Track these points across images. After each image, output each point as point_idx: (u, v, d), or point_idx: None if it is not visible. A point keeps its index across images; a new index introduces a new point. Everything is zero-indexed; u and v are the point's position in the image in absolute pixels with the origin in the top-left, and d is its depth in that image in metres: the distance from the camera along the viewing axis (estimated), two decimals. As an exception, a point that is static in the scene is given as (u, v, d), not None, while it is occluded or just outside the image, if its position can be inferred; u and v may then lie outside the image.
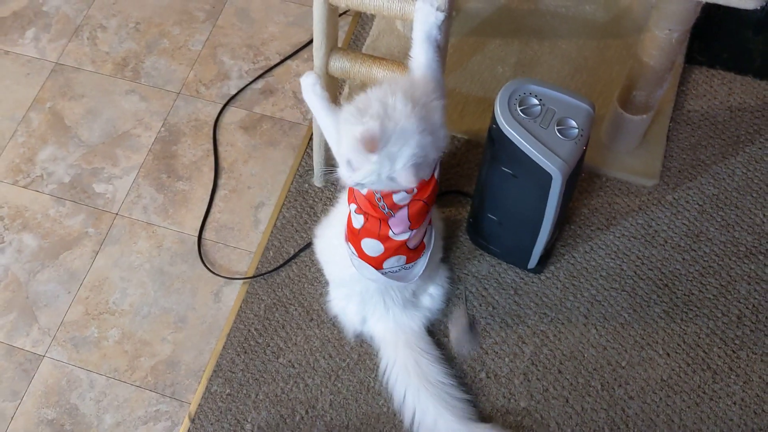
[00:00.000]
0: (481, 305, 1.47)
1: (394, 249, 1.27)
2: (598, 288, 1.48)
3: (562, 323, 1.45)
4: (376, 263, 1.30)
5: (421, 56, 1.22)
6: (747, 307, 1.45)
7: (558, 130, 1.21)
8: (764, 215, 1.54)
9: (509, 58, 1.72)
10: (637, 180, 1.58)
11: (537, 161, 1.20)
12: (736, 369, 1.40)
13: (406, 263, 1.31)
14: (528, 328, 1.45)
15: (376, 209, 1.24)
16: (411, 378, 1.36)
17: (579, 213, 1.56)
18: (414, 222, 1.24)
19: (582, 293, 1.48)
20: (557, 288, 1.49)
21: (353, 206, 1.27)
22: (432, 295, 1.45)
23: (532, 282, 1.49)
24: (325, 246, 1.43)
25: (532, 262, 1.46)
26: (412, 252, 1.30)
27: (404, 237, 1.25)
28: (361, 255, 1.30)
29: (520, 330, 1.45)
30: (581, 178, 1.56)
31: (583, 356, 1.42)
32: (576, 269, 1.50)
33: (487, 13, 1.79)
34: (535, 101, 1.23)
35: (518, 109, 1.21)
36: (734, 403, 1.37)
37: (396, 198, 1.21)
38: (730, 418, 1.35)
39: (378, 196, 1.22)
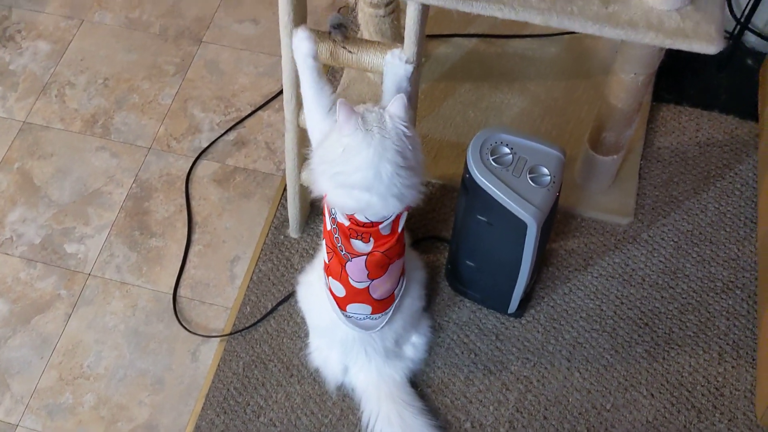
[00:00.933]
0: (463, 353, 1.46)
1: (353, 294, 1.26)
2: (579, 330, 1.48)
3: (545, 367, 1.44)
4: (341, 304, 1.29)
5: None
6: (727, 343, 1.45)
7: (530, 178, 1.21)
8: (739, 249, 1.55)
9: (480, 102, 1.73)
10: (612, 219, 1.59)
11: (511, 210, 1.20)
12: (720, 407, 1.39)
13: (372, 314, 1.30)
14: (511, 374, 1.44)
15: (336, 249, 1.24)
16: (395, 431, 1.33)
17: (556, 254, 1.56)
18: (372, 272, 1.23)
19: (563, 336, 1.47)
20: (538, 332, 1.48)
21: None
22: (415, 345, 1.44)
23: (513, 326, 1.48)
24: (307, 292, 1.41)
25: (512, 307, 1.46)
26: (377, 303, 1.28)
27: (363, 285, 1.25)
28: (330, 291, 1.30)
29: (503, 377, 1.43)
30: (557, 220, 1.56)
31: (568, 401, 1.41)
32: (556, 312, 1.50)
33: (456, 57, 1.80)
34: (507, 150, 1.24)
35: (490, 158, 1.22)
36: (721, 442, 1.36)
37: (354, 244, 1.20)
38: (717, 458, 1.35)
39: (336, 235, 1.22)
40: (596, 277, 1.53)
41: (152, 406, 1.44)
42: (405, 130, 1.11)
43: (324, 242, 1.28)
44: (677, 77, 1.77)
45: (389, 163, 1.10)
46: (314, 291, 1.37)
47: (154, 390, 1.46)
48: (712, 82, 1.77)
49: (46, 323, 1.53)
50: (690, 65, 1.78)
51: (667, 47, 1.13)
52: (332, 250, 1.26)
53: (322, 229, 1.35)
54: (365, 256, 1.21)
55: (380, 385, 1.38)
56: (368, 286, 1.26)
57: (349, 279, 1.25)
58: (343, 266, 1.24)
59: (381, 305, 1.30)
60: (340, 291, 1.28)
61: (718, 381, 1.42)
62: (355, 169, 1.11)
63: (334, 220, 1.21)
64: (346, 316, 1.31)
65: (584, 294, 1.52)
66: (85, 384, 1.47)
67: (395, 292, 1.31)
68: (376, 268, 1.23)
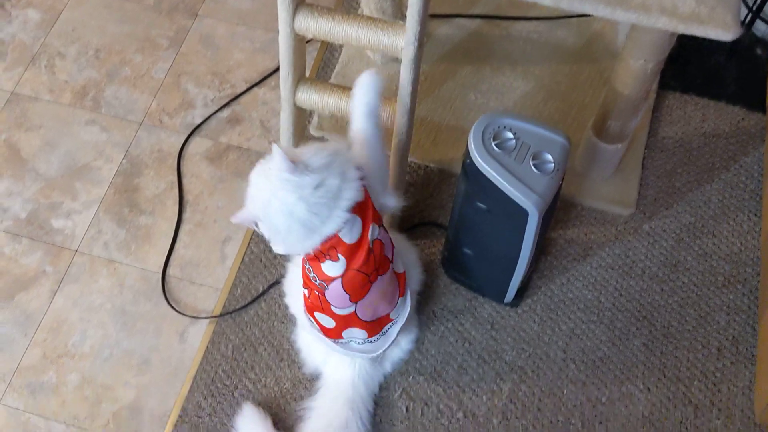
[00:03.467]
0: (457, 341, 1.42)
1: (343, 322, 1.20)
2: (576, 321, 1.45)
3: (541, 358, 1.41)
4: (335, 334, 1.24)
5: (360, 132, 1.17)
6: (726, 339, 1.43)
7: (534, 164, 1.17)
8: (741, 243, 1.52)
9: (481, 85, 1.69)
10: (613, 209, 1.55)
11: (512, 197, 1.16)
12: (717, 403, 1.37)
13: (369, 337, 1.24)
14: (506, 364, 1.41)
15: (309, 281, 1.17)
16: (324, 429, 1.29)
17: (555, 244, 1.52)
18: (353, 294, 1.15)
19: (560, 327, 1.44)
20: (534, 322, 1.45)
21: (301, 278, 1.22)
22: (400, 345, 1.38)
23: (509, 316, 1.45)
24: (294, 294, 1.32)
25: (509, 296, 1.42)
26: (369, 324, 1.22)
27: (348, 311, 1.17)
28: (321, 327, 1.24)
29: (497, 366, 1.40)
30: (558, 209, 1.53)
31: (563, 393, 1.38)
32: (553, 302, 1.47)
33: (458, 39, 1.76)
34: (510, 135, 1.19)
35: (492, 143, 1.18)
36: (717, 439, 1.34)
37: (325, 268, 1.12)
38: (712, 455, 1.32)
39: (308, 266, 1.16)
40: (595, 268, 1.50)
41: (138, 387, 1.41)
42: (287, 175, 1.04)
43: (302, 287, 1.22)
44: (684, 65, 1.73)
45: (281, 201, 1.05)
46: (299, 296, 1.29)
47: (140, 371, 1.42)
48: (720, 71, 1.73)
49: (30, 300, 1.49)
50: (698, 53, 1.73)
51: (681, 33, 1.08)
52: (308, 286, 1.19)
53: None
54: (340, 279, 1.12)
55: (348, 388, 1.32)
56: (354, 311, 1.18)
57: (332, 308, 1.18)
58: (323, 295, 1.16)
59: (374, 327, 1.23)
60: (329, 323, 1.21)
61: (716, 377, 1.39)
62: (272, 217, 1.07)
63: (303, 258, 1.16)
64: (341, 343, 1.25)
65: (582, 285, 1.48)
66: (69, 363, 1.43)
67: (391, 313, 1.24)
68: (355, 289, 1.14)
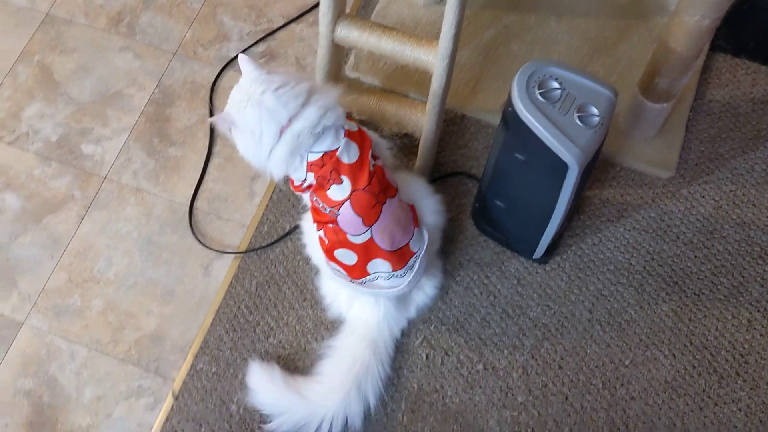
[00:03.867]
0: (482, 293, 1.41)
1: (364, 252, 1.19)
2: (604, 282, 1.42)
3: (566, 317, 1.39)
4: (360, 271, 1.23)
5: None
6: (758, 311, 1.40)
7: (578, 116, 1.13)
8: (782, 215, 1.48)
9: (525, 35, 1.63)
10: (653, 171, 1.51)
11: (553, 149, 1.12)
12: (743, 374, 1.34)
13: (394, 270, 1.23)
14: (529, 320, 1.39)
15: (320, 213, 1.18)
16: (347, 373, 1.28)
17: (590, 203, 1.49)
18: (366, 216, 1.15)
19: (588, 287, 1.42)
20: (562, 280, 1.42)
21: (314, 227, 1.24)
22: (425, 290, 1.38)
23: (537, 273, 1.43)
24: (315, 242, 1.30)
25: (539, 252, 1.40)
26: (392, 255, 1.21)
27: (365, 237, 1.17)
28: (344, 268, 1.23)
29: (521, 322, 1.39)
30: (596, 167, 1.49)
31: (585, 352, 1.36)
32: (583, 261, 1.44)
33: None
34: (556, 85, 1.15)
35: (537, 92, 1.14)
36: (739, 410, 1.32)
37: (331, 194, 1.15)
38: (734, 425, 1.31)
39: (315, 199, 1.17)
40: (629, 230, 1.47)
41: (161, 316, 1.41)
42: (254, 73, 1.15)
43: (316, 230, 1.23)
44: (738, 27, 1.65)
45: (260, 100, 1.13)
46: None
47: (163, 301, 1.42)
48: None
49: (58, 223, 1.49)
50: (754, 15, 1.66)
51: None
52: (321, 221, 1.20)
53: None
54: (349, 201, 1.14)
55: (373, 330, 1.32)
56: (371, 237, 1.18)
57: (349, 237, 1.18)
58: (336, 224, 1.17)
59: (397, 258, 1.22)
60: (351, 258, 1.21)
61: (744, 348, 1.37)
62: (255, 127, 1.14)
63: (309, 187, 1.18)
64: (367, 282, 1.24)
65: (614, 246, 1.45)
66: (94, 288, 1.44)
67: (410, 244, 1.23)
68: (366, 211, 1.15)
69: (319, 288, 1.40)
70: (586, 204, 1.48)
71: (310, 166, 1.15)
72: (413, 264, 1.25)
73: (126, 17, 1.71)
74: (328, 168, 1.14)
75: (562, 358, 1.36)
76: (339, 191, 1.15)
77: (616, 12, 1.66)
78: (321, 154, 1.14)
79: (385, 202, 1.18)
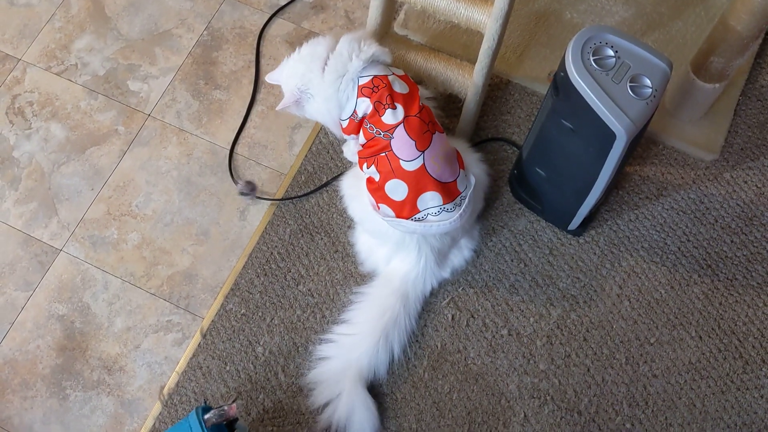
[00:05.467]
0: (512, 260, 1.41)
1: (415, 183, 1.22)
2: (637, 259, 1.42)
3: (595, 291, 1.39)
4: (410, 206, 1.24)
5: None
6: (791, 301, 1.38)
7: (630, 87, 1.11)
8: (825, 207, 1.46)
9: (579, 4, 1.61)
10: (696, 152, 1.49)
11: (603, 118, 1.11)
12: (769, 362, 1.34)
13: (444, 203, 1.25)
14: (558, 291, 1.39)
15: (374, 139, 1.23)
16: (378, 322, 1.30)
17: (630, 179, 1.47)
18: (418, 141, 1.22)
19: (620, 262, 1.41)
20: (595, 254, 1.42)
21: (365, 166, 1.27)
22: (463, 252, 1.39)
23: (570, 244, 1.43)
24: (357, 201, 1.34)
25: (574, 224, 1.39)
26: (443, 186, 1.24)
27: (418, 163, 1.22)
28: (394, 207, 1.25)
29: (549, 291, 1.39)
30: (639, 145, 1.47)
31: (612, 327, 1.36)
32: (617, 237, 1.43)
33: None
34: (611, 52, 1.13)
35: (591, 58, 1.12)
36: (761, 396, 1.31)
37: (386, 118, 1.22)
38: (754, 411, 1.30)
39: (369, 126, 1.24)
40: (667, 210, 1.45)
41: (195, 255, 1.43)
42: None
43: (366, 169, 1.27)
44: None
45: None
46: (365, 200, 1.31)
47: (198, 240, 1.45)
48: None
49: (101, 156, 1.52)
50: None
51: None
52: (375, 152, 1.24)
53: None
54: (403, 125, 1.21)
55: (407, 285, 1.34)
56: (423, 164, 1.21)
57: (401, 164, 1.21)
58: (391, 150, 1.21)
59: (446, 190, 1.25)
60: (402, 192, 1.23)
61: (773, 336, 1.36)
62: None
63: (360, 122, 1.25)
64: (418, 219, 1.26)
65: (650, 224, 1.44)
66: (131, 222, 1.46)
67: (458, 182, 1.26)
68: (419, 135, 1.22)
69: (354, 243, 1.41)
70: (626, 180, 1.47)
71: (362, 90, 1.23)
72: (461, 203, 1.27)
73: (179, -43, 1.71)
74: (383, 92, 1.22)
75: (588, 331, 1.36)
76: (393, 115, 1.22)
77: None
78: (371, 77, 1.23)
79: (435, 132, 1.24)
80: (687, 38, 1.57)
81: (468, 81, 1.40)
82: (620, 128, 1.10)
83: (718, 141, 1.49)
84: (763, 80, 1.56)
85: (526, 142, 1.37)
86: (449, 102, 1.50)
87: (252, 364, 1.34)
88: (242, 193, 1.45)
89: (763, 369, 1.33)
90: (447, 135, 1.33)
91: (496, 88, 1.55)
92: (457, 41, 1.57)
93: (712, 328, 1.37)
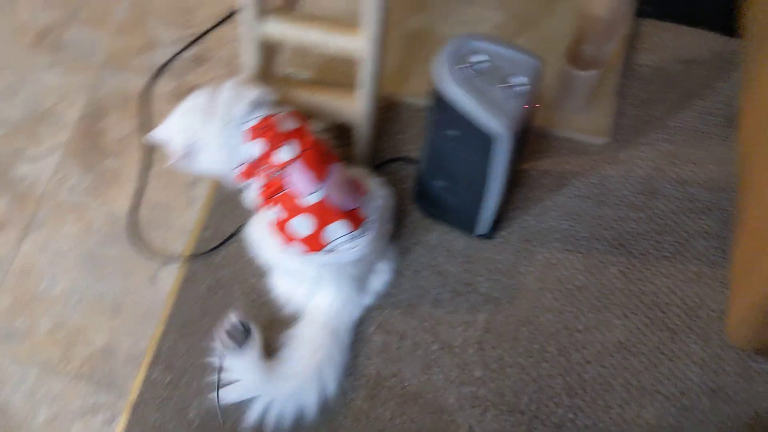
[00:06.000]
0: (431, 275, 1.41)
1: (320, 214, 1.22)
2: (551, 251, 1.43)
3: (516, 289, 1.40)
4: (319, 240, 1.23)
5: None
6: (705, 264, 1.42)
7: (504, 87, 1.14)
8: (718, 170, 1.50)
9: (451, 16, 1.64)
10: (588, 139, 1.53)
11: (480, 121, 1.13)
12: (695, 328, 1.36)
13: (351, 231, 1.25)
14: (480, 296, 1.39)
15: (272, 179, 1.22)
16: (309, 361, 1.29)
17: (529, 176, 1.50)
18: (317, 171, 1.22)
19: (535, 257, 1.43)
20: (510, 253, 1.43)
21: (267, 208, 1.26)
22: (380, 275, 1.39)
23: (484, 248, 1.44)
24: (264, 244, 1.31)
25: (483, 228, 1.41)
26: (347, 214, 1.24)
27: (319, 196, 1.21)
28: (303, 242, 1.24)
29: (472, 298, 1.39)
30: (531, 140, 1.50)
31: (539, 321, 1.37)
32: (528, 233, 1.45)
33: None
34: (480, 58, 1.16)
35: (461, 67, 1.14)
36: (693, 362, 1.33)
37: (281, 156, 1.21)
38: (689, 378, 1.32)
39: (264, 167, 1.23)
40: (571, 198, 1.48)
41: (110, 330, 1.39)
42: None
43: (269, 210, 1.26)
44: (661, -9, 1.69)
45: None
46: (274, 243, 1.29)
47: (112, 314, 1.40)
48: (697, -4, 1.69)
49: (-2, 247, 1.47)
50: (674, -22, 1.69)
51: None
52: (274, 192, 1.23)
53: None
54: (298, 160, 1.21)
55: (334, 319, 1.32)
56: (325, 196, 1.21)
57: (303, 198, 1.21)
58: (290, 187, 1.22)
59: (352, 218, 1.24)
60: (307, 225, 1.22)
61: (694, 302, 1.39)
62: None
63: (255, 164, 1.25)
64: (329, 251, 1.25)
65: (558, 215, 1.47)
66: (40, 307, 1.41)
67: (361, 209, 1.26)
68: (316, 168, 1.22)
69: (272, 288, 1.39)
70: (525, 177, 1.50)
71: (251, 133, 1.23)
72: (368, 228, 1.27)
73: (51, 33, 1.68)
74: (273, 132, 1.22)
75: (516, 329, 1.37)
76: (286, 153, 1.21)
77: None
78: (258, 119, 1.23)
79: (331, 163, 1.25)
80: (560, 32, 1.61)
81: (355, 108, 1.41)
82: (498, 128, 1.12)
83: (607, 124, 1.53)
84: (640, 60, 1.62)
85: (421, 157, 1.38)
86: (343, 131, 1.51)
87: (187, 429, 1.30)
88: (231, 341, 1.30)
89: (690, 335, 1.36)
90: (346, 163, 1.33)
91: (387, 110, 1.57)
92: (342, 71, 1.58)
93: (636, 305, 1.39)
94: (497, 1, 1.66)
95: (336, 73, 1.59)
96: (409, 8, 1.65)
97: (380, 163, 1.51)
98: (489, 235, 1.44)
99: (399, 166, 1.52)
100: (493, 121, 1.12)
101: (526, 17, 1.64)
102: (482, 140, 1.16)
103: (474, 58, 1.15)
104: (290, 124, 1.25)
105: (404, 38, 1.62)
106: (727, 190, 1.48)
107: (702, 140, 1.53)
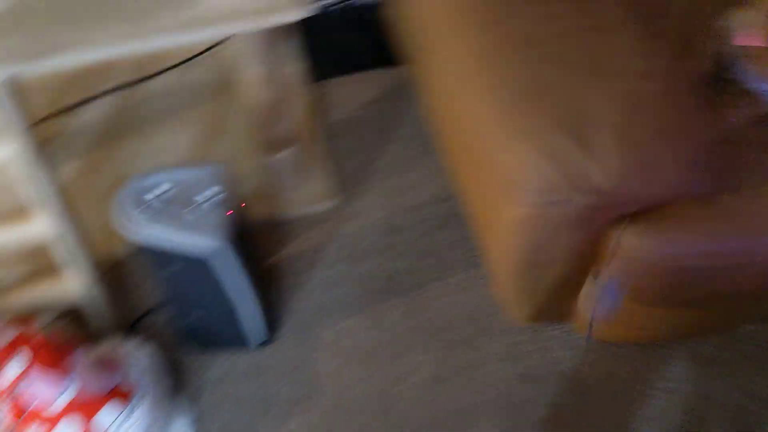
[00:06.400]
0: (232, 406, 1.33)
1: (81, 409, 1.12)
2: (334, 324, 1.42)
3: (317, 377, 1.37)
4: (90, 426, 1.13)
5: None
6: (465, 270, 1.48)
7: (198, 204, 1.12)
8: (437, 183, 1.60)
9: (140, 155, 1.61)
10: (319, 207, 1.56)
11: (187, 248, 1.10)
12: (486, 330, 1.40)
13: (122, 409, 1.15)
14: (284, 403, 1.34)
15: (15, 403, 1.11)
16: None
17: (280, 267, 1.49)
18: (58, 368, 1.12)
19: (322, 337, 1.41)
20: (295, 346, 1.40)
21: None
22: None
23: (270, 354, 1.39)
24: None
25: (258, 337, 1.36)
26: (110, 393, 1.15)
27: (72, 391, 1.12)
28: None
29: (277, 408, 1.33)
30: (264, 236, 1.50)
31: (350, 399, 1.34)
32: (305, 318, 1.43)
33: (101, 119, 1.67)
34: (162, 189, 1.13)
35: (144, 206, 1.11)
36: (500, 360, 1.37)
37: (6, 379, 1.10)
38: (501, 379, 1.35)
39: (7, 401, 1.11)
40: (328, 268, 1.49)
41: None
42: None
43: None
44: (321, 55, 1.78)
45: None
46: None
47: None
48: (352, 46, 1.81)
49: None
50: (323, 38, 1.79)
51: (260, 28, 1.09)
52: (20, 412, 1.12)
53: None
54: (32, 367, 1.10)
55: None
56: (79, 389, 1.12)
57: (53, 406, 1.11)
58: (35, 398, 1.11)
59: (117, 395, 1.16)
60: (74, 428, 1.12)
61: (472, 307, 1.44)
62: None
63: None
64: None
65: (324, 289, 1.47)
66: None
67: (124, 382, 1.18)
68: (56, 363, 1.12)
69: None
70: (277, 270, 1.49)
71: None
72: (139, 397, 1.19)
73: None
74: None
75: (332, 418, 1.32)
76: (16, 365, 1.10)
77: (212, 94, 1.71)
78: None
79: (71, 353, 1.16)
80: (243, 127, 1.64)
81: (73, 288, 1.31)
82: (209, 245, 1.10)
83: (330, 187, 1.58)
84: (333, 117, 1.70)
85: (165, 299, 1.32)
86: (77, 312, 1.40)
87: None
88: None
89: (482, 338, 1.40)
90: (93, 342, 1.24)
91: (115, 270, 1.48)
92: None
93: (429, 335, 1.41)
94: (179, 122, 1.66)
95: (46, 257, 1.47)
96: (99, 167, 1.59)
97: (133, 322, 1.42)
98: (269, 340, 1.40)
99: (153, 317, 1.44)
100: (201, 240, 1.09)
101: (213, 126, 1.65)
102: (199, 263, 1.13)
103: (156, 192, 1.12)
104: (8, 336, 1.13)
105: (103, 195, 1.54)
106: (451, 197, 1.58)
107: (413, 164, 1.63)
